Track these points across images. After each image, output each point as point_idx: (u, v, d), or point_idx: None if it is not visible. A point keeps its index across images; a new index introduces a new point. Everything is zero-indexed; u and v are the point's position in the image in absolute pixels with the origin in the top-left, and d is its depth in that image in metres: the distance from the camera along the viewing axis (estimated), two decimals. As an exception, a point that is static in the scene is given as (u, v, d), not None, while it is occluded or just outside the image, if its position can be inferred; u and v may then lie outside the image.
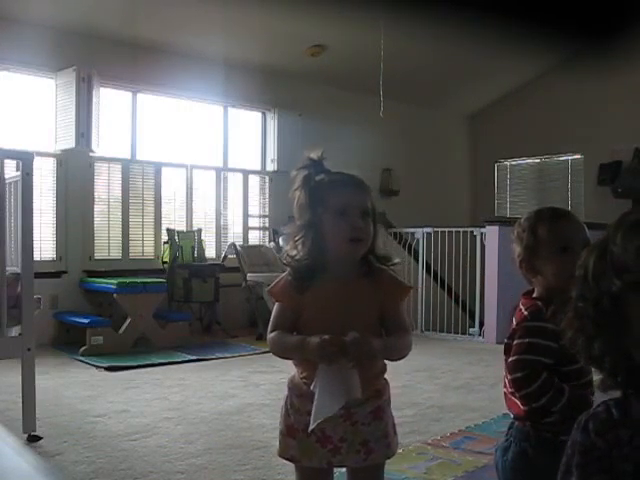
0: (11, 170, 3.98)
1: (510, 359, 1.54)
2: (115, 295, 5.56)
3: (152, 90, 6.71)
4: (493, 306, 6.20)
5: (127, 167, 6.50)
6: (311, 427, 1.49)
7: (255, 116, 7.67)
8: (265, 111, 7.65)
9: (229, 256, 6.72)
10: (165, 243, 6.50)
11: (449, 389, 4.32)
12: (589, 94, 8.18)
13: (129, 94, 6.60)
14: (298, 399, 1.57)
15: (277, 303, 1.62)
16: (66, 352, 5.34)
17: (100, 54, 6.07)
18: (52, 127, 5.98)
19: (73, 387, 4.21)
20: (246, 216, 7.42)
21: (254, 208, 7.53)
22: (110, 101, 6.39)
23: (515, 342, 1.54)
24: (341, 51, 7.04)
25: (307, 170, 1.59)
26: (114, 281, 5.58)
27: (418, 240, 6.93)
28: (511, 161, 9.54)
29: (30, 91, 6.00)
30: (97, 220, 6.32)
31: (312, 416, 1.48)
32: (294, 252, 1.58)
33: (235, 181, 7.38)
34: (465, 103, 9.36)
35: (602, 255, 0.84)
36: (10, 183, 3.18)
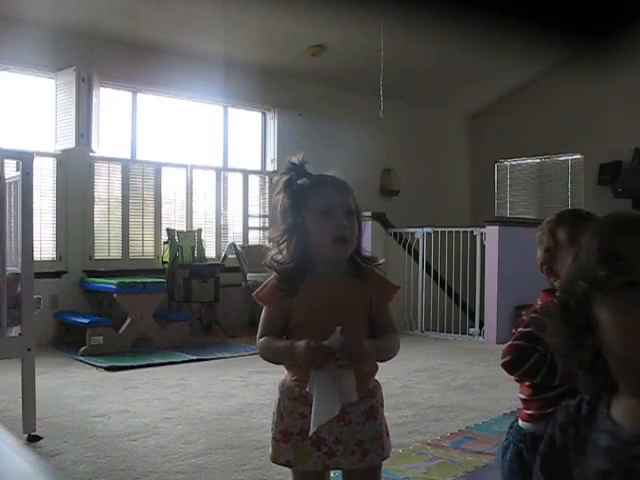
0: (11, 170, 3.99)
1: (505, 344, 1.54)
2: (115, 295, 5.56)
3: (152, 90, 6.71)
4: (493, 306, 6.20)
5: (127, 167, 6.50)
6: (311, 431, 1.49)
7: (255, 116, 7.67)
8: (265, 111, 7.65)
9: (229, 256, 6.73)
10: (165, 243, 6.50)
11: (449, 389, 4.32)
12: (589, 94, 8.18)
13: (129, 94, 6.60)
14: (290, 402, 1.57)
15: (265, 308, 1.60)
16: (66, 352, 5.34)
17: (100, 54, 6.07)
18: (52, 127, 5.98)
19: (73, 387, 4.21)
20: (246, 216, 7.42)
21: (254, 208, 7.53)
22: (110, 101, 6.40)
23: (518, 330, 1.55)
24: (341, 51, 7.04)
25: (289, 174, 1.59)
26: (114, 281, 5.58)
27: (418, 240, 6.92)
28: (511, 161, 9.54)
29: (30, 91, 6.00)
30: (97, 220, 6.31)
31: (312, 420, 1.48)
32: (279, 257, 1.58)
33: (235, 181, 7.38)
34: (465, 103, 9.36)
35: (574, 258, 0.88)
36: (10, 183, 3.18)
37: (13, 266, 3.10)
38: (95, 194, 6.29)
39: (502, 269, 6.13)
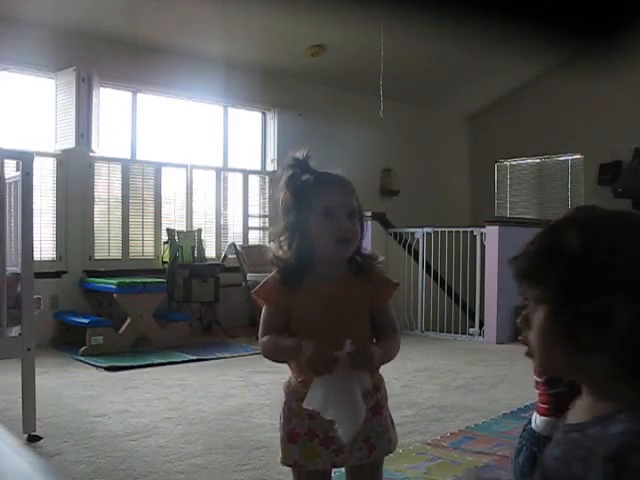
0: (11, 170, 3.99)
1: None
2: (115, 295, 5.56)
3: (152, 90, 6.71)
4: (493, 306, 6.20)
5: (127, 167, 6.50)
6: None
7: (255, 116, 7.67)
8: (265, 111, 7.65)
9: (229, 256, 6.72)
10: (165, 243, 6.50)
11: (449, 389, 4.32)
12: (589, 94, 8.18)
13: (129, 94, 6.60)
14: (297, 404, 1.55)
15: (264, 307, 1.59)
16: (66, 352, 5.34)
17: (100, 54, 6.07)
18: (52, 127, 5.98)
19: (73, 387, 4.21)
20: (246, 216, 7.42)
21: (254, 208, 7.53)
22: (110, 101, 6.39)
23: None
24: (341, 51, 7.04)
25: (292, 170, 1.58)
26: (114, 281, 5.58)
27: (418, 240, 6.92)
28: (511, 161, 9.53)
29: (30, 91, 6.00)
30: (97, 220, 6.31)
31: (344, 431, 1.46)
32: (279, 252, 1.58)
33: (235, 181, 7.38)
34: (465, 103, 9.36)
35: None
36: (10, 183, 3.18)
37: (13, 266, 3.10)
38: (95, 194, 6.29)
39: (502, 269, 6.13)
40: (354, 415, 1.47)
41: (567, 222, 0.84)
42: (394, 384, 4.25)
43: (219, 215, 7.19)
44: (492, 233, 6.28)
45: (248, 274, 6.25)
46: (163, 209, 6.77)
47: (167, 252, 6.42)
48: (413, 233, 7.02)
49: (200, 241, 6.66)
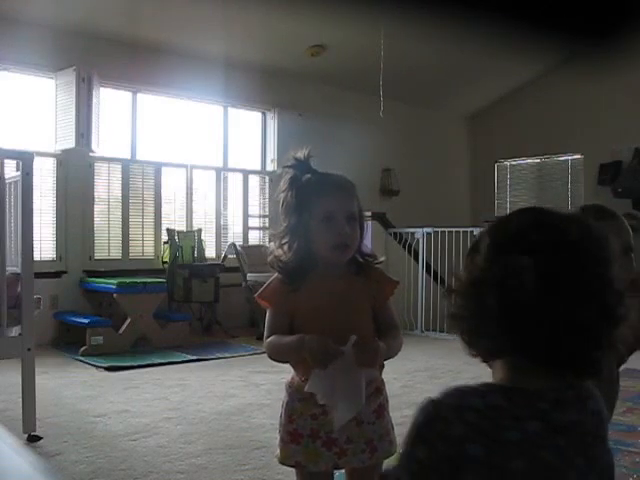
0: (11, 170, 3.99)
1: None
2: (115, 295, 5.56)
3: (152, 90, 6.71)
4: (493, 306, 6.19)
5: (127, 167, 6.50)
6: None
7: (255, 116, 7.67)
8: (265, 111, 7.65)
9: (229, 256, 6.72)
10: (165, 243, 6.50)
11: (449, 389, 4.31)
12: (589, 94, 8.18)
13: (129, 94, 6.60)
14: (301, 403, 1.55)
15: (268, 310, 1.60)
16: (66, 352, 5.34)
17: (100, 54, 6.07)
18: (52, 127, 5.98)
19: (73, 387, 4.21)
20: (246, 216, 7.42)
21: (254, 208, 7.53)
22: (110, 101, 6.40)
23: None
24: (341, 51, 7.04)
25: (293, 170, 1.59)
26: (114, 281, 5.58)
27: (418, 240, 6.92)
28: (511, 161, 9.54)
29: (30, 91, 6.00)
30: (97, 220, 6.31)
31: (336, 417, 1.48)
32: (280, 252, 1.58)
33: (235, 181, 7.38)
34: (465, 103, 9.36)
35: None
36: (10, 183, 3.18)
37: (13, 266, 3.10)
38: (95, 194, 6.29)
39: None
40: (351, 404, 1.47)
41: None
42: (394, 384, 4.25)
43: (219, 215, 7.19)
44: (492, 233, 6.27)
45: (248, 274, 6.26)
46: (163, 209, 6.77)
47: (167, 252, 6.42)
48: (413, 233, 7.02)
49: (200, 241, 6.66)
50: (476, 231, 6.50)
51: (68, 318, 5.67)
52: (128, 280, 5.68)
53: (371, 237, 6.47)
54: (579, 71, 7.38)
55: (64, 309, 5.84)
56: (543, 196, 9.24)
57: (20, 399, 3.03)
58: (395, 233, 7.11)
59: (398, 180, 8.61)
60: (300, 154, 1.59)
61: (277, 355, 1.57)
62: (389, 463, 1.01)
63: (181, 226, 6.79)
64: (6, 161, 4.37)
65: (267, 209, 7.56)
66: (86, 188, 6.18)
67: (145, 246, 6.62)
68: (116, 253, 6.41)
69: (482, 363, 0.94)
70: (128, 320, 5.56)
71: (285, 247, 1.57)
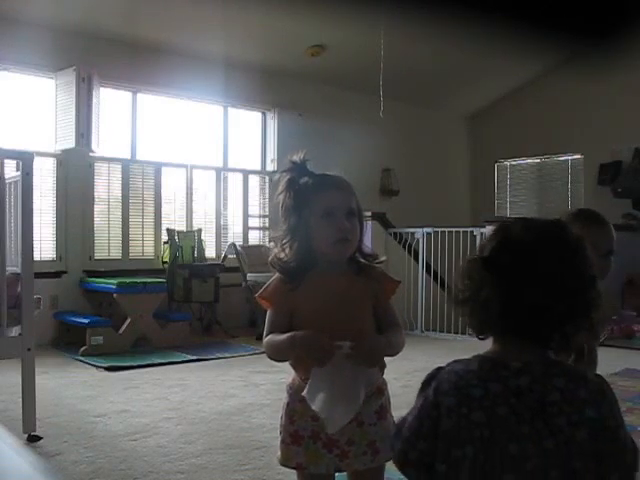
0: (11, 170, 3.99)
1: None
2: (115, 295, 5.56)
3: (152, 90, 6.71)
4: (493, 306, 6.18)
5: (127, 167, 6.50)
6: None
7: (255, 116, 7.67)
8: (265, 111, 7.65)
9: (229, 256, 6.73)
10: (165, 243, 6.50)
11: (449, 389, 4.31)
12: (589, 94, 8.18)
13: (129, 94, 6.60)
14: (301, 404, 1.55)
15: (269, 310, 1.60)
16: (66, 352, 5.34)
17: (100, 54, 6.07)
18: (52, 127, 5.98)
19: (73, 387, 4.21)
20: (246, 216, 7.42)
21: (254, 208, 7.53)
22: (110, 101, 6.40)
23: None
24: (341, 51, 7.04)
25: (290, 173, 1.60)
26: (114, 281, 5.58)
27: (418, 240, 6.92)
28: (511, 161, 9.54)
29: (30, 91, 6.00)
30: (97, 220, 6.32)
31: (331, 420, 1.47)
32: (282, 255, 1.59)
33: (235, 181, 7.38)
34: (465, 103, 9.36)
35: None
36: (10, 183, 3.18)
37: (13, 266, 3.10)
38: (95, 194, 6.29)
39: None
40: (348, 408, 1.47)
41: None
42: (394, 384, 4.24)
43: (219, 215, 7.19)
44: (492, 233, 6.27)
45: (248, 274, 6.26)
46: (163, 209, 6.77)
47: (167, 252, 6.42)
48: (413, 233, 7.02)
49: (200, 241, 6.66)
50: (476, 231, 6.51)
51: (68, 318, 5.67)
52: (128, 280, 5.68)
53: (371, 237, 6.47)
54: (579, 71, 7.39)
55: (64, 309, 5.84)
56: (543, 196, 9.24)
57: (20, 399, 3.03)
58: (395, 233, 7.11)
59: (398, 180, 8.61)
60: (296, 157, 1.61)
61: (274, 354, 1.57)
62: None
63: (181, 226, 6.79)
64: (6, 161, 4.37)
65: (267, 209, 7.56)
66: (86, 188, 6.18)
67: (145, 246, 6.62)
68: (116, 253, 6.41)
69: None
70: (128, 320, 5.56)
71: (286, 247, 1.58)
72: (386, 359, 1.60)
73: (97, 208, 6.33)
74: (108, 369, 4.78)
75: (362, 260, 1.62)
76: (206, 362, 5.16)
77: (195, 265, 6.36)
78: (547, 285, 1.03)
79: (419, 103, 8.68)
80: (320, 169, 1.63)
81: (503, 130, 9.32)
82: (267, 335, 1.57)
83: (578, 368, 1.07)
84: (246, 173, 7.46)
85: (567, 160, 9.02)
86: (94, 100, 5.92)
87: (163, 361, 5.08)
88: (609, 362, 4.57)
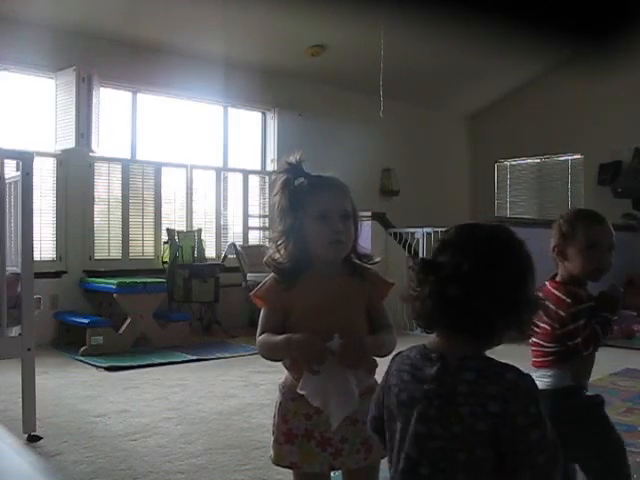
0: (11, 170, 3.99)
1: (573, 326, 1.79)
2: (115, 295, 5.56)
3: (152, 90, 6.71)
4: (493, 306, 6.18)
5: (127, 167, 6.50)
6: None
7: (255, 116, 7.67)
8: (265, 111, 7.65)
9: (229, 256, 6.73)
10: (165, 243, 6.50)
11: (449, 389, 4.31)
12: (589, 94, 8.18)
13: (129, 94, 6.60)
14: (294, 403, 1.56)
15: (263, 308, 1.61)
16: (66, 352, 5.34)
17: (100, 54, 6.07)
18: (52, 127, 5.98)
19: (73, 387, 4.21)
20: (246, 216, 7.42)
21: (254, 208, 7.54)
22: (110, 101, 6.40)
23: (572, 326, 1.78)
24: (341, 51, 7.04)
25: (286, 174, 1.60)
26: (114, 281, 5.58)
27: (418, 240, 6.92)
28: (511, 161, 9.54)
29: (30, 91, 6.00)
30: (97, 220, 6.32)
31: (332, 416, 1.49)
32: (277, 255, 1.60)
33: (235, 181, 7.38)
34: (465, 103, 9.37)
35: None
36: (10, 183, 3.18)
37: (13, 266, 3.10)
38: (95, 194, 6.29)
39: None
40: (345, 402, 1.48)
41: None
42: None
43: (219, 215, 7.19)
44: (492, 233, 6.26)
45: (248, 274, 6.26)
46: (163, 209, 6.77)
47: (167, 252, 6.42)
48: (413, 233, 7.01)
49: (200, 241, 6.66)
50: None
51: (68, 318, 5.67)
52: (128, 280, 5.68)
53: (371, 237, 6.47)
54: (579, 71, 7.39)
55: (64, 309, 5.84)
56: (543, 196, 9.25)
57: (20, 399, 3.03)
58: (395, 233, 7.11)
59: (398, 180, 8.61)
60: (292, 158, 1.61)
61: (267, 353, 1.58)
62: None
63: (181, 226, 6.79)
64: (6, 161, 4.36)
65: (267, 209, 7.56)
66: (86, 188, 6.18)
67: (145, 246, 6.62)
68: (116, 253, 6.42)
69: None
70: (128, 320, 5.56)
71: (281, 248, 1.59)
72: (382, 359, 1.61)
73: (97, 208, 6.33)
74: (108, 369, 4.78)
75: (357, 261, 1.63)
76: (206, 362, 5.16)
77: (195, 265, 6.37)
78: (472, 283, 1.09)
79: (419, 103, 8.68)
80: (320, 169, 1.63)
81: (503, 130, 9.32)
82: (261, 334, 1.58)
83: (503, 365, 1.11)
84: (246, 173, 7.46)
85: (567, 160, 9.02)
86: (94, 100, 5.92)
87: (163, 361, 5.07)
88: (609, 362, 4.57)
